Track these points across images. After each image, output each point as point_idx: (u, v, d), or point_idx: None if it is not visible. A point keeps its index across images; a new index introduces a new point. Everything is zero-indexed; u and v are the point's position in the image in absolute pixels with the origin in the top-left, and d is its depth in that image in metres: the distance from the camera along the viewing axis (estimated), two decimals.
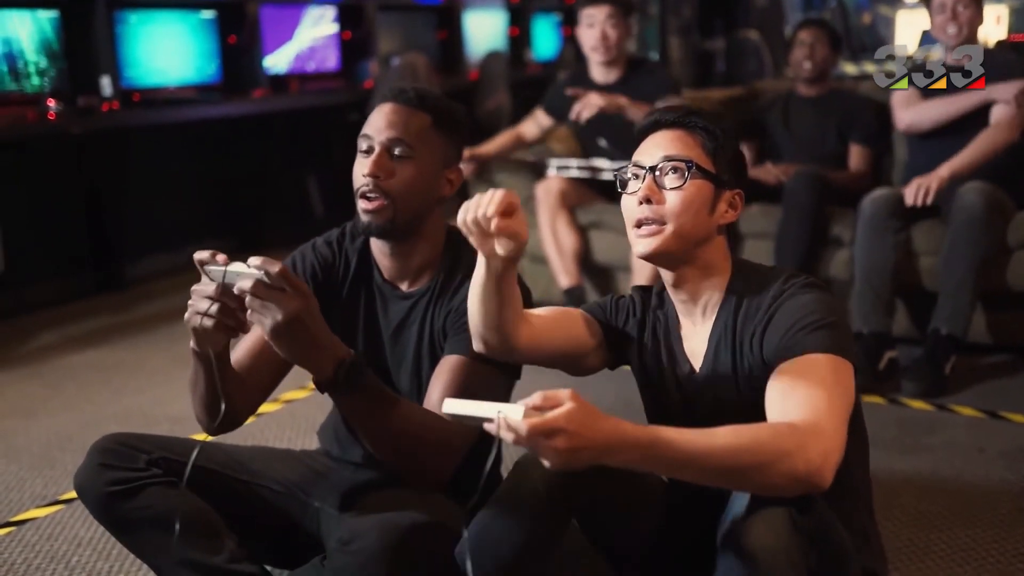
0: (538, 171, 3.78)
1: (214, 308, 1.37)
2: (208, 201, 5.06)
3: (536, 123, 3.84)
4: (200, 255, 1.38)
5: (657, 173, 1.45)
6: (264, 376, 1.66)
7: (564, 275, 3.58)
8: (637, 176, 1.48)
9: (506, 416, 1.08)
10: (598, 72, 3.69)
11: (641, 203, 1.45)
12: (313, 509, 1.75)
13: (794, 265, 3.22)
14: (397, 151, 1.65)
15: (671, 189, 1.44)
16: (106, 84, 4.14)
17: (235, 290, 1.35)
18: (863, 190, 3.26)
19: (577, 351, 1.58)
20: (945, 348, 2.93)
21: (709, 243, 1.48)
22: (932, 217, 3.12)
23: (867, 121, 3.55)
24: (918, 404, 2.84)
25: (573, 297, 3.54)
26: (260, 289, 1.34)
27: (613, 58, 3.64)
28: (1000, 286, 3.05)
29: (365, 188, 1.64)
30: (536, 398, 1.10)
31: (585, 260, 3.64)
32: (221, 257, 1.37)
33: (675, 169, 1.45)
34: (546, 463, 1.11)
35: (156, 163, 4.71)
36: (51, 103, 3.92)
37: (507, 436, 1.09)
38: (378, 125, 1.66)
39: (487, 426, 1.11)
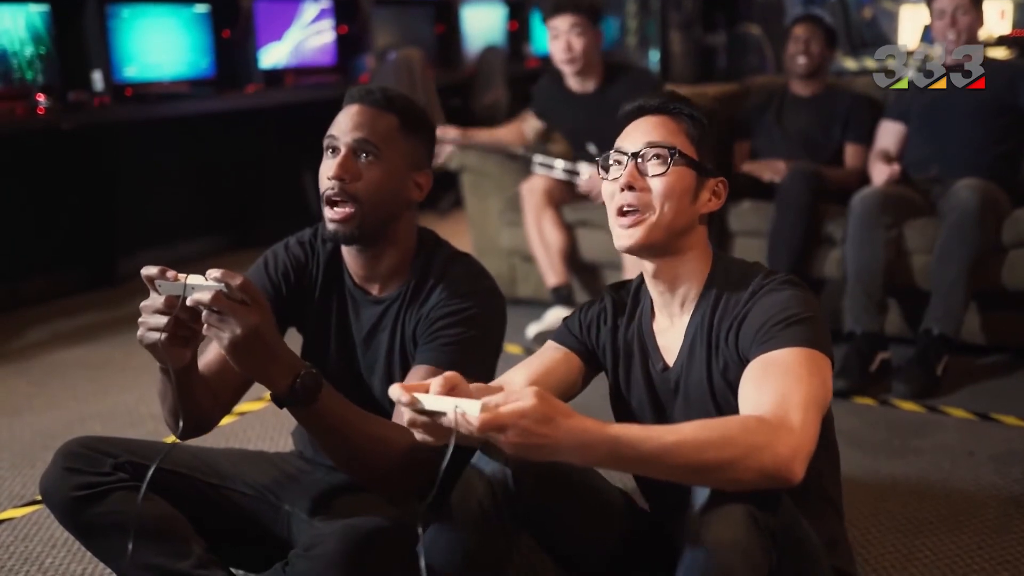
0: (525, 165, 3.72)
1: (167, 323, 1.33)
2: (201, 197, 5.02)
3: (531, 126, 3.78)
4: (148, 271, 1.33)
5: (640, 159, 1.43)
6: (234, 381, 1.63)
7: (551, 273, 3.54)
8: (619, 162, 1.45)
9: (463, 411, 1.08)
10: (574, 82, 3.57)
11: (623, 190, 1.42)
12: (284, 513, 1.72)
13: (787, 263, 3.18)
14: (364, 153, 1.62)
15: (653, 176, 1.42)
16: (97, 79, 4.13)
17: (189, 302, 1.31)
18: (857, 188, 3.22)
19: (570, 393, 1.54)
20: (937, 349, 2.89)
21: (691, 232, 1.45)
22: (925, 215, 3.08)
23: (863, 119, 3.49)
24: (909, 406, 2.80)
25: (561, 295, 3.51)
26: (220, 301, 1.30)
27: (582, 68, 3.49)
28: (994, 285, 3.01)
29: (331, 192, 1.61)
30: (498, 396, 1.10)
31: (572, 258, 3.60)
32: (171, 273, 1.33)
33: (658, 156, 1.42)
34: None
35: (148, 158, 4.68)
36: (41, 98, 3.89)
37: (462, 430, 1.09)
38: (344, 126, 1.64)
39: (443, 420, 1.11)
